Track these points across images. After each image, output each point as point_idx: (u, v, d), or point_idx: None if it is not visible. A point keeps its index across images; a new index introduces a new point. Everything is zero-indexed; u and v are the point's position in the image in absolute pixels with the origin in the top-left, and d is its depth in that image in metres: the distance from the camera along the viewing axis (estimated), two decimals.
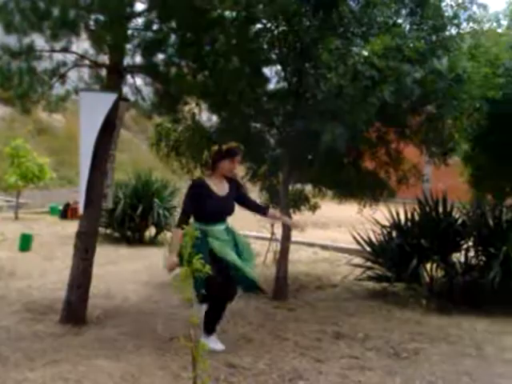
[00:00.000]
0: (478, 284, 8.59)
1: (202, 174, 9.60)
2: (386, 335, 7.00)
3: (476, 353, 6.55)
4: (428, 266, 9.13)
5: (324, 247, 13.59)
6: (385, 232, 9.63)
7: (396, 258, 9.12)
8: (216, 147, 6.15)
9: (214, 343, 6.00)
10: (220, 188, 6.17)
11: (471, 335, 7.21)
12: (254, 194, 9.89)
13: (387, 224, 9.66)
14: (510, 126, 9.00)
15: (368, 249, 9.75)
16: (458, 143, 8.69)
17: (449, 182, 10.79)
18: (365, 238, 9.84)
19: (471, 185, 10.42)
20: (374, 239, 9.73)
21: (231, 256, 5.99)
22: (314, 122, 7.36)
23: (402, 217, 9.58)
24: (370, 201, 9.45)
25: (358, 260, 10.08)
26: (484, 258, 8.94)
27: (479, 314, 8.20)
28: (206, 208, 6.03)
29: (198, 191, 6.07)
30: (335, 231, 15.31)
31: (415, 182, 9.25)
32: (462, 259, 9.09)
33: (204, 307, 6.01)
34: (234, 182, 6.33)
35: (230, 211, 6.27)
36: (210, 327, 6.13)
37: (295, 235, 9.49)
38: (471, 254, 9.10)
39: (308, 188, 10.07)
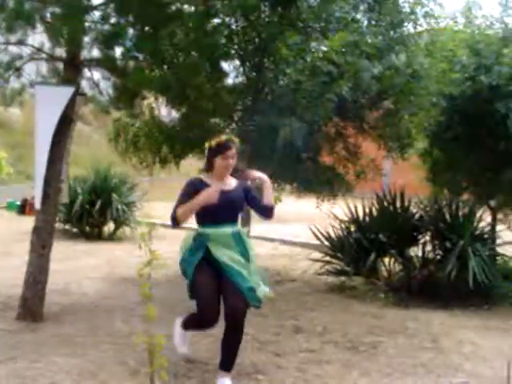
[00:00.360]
0: (435, 278, 8.72)
1: (160, 169, 9.59)
2: (344, 329, 7.05)
3: (433, 345, 6.63)
4: (386, 260, 9.23)
5: (284, 242, 13.64)
6: (343, 227, 9.68)
7: (354, 252, 9.20)
8: (207, 144, 5.37)
9: (180, 342, 5.66)
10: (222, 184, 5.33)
11: (428, 328, 7.30)
12: None
13: (346, 219, 9.72)
14: (467, 122, 9.13)
15: (327, 243, 9.79)
16: (415, 138, 8.79)
17: (408, 177, 10.89)
18: (324, 232, 9.88)
19: (429, 180, 10.53)
20: (332, 234, 9.77)
21: (230, 258, 5.21)
22: (272, 117, 7.38)
23: (361, 212, 9.65)
24: (329, 195, 9.50)
25: (317, 255, 10.11)
26: (441, 252, 9.06)
27: (436, 307, 8.31)
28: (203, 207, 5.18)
29: (194, 188, 5.27)
30: (295, 226, 15.35)
31: (373, 177, 9.32)
32: (420, 253, 9.19)
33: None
34: (243, 183, 5.48)
35: (236, 209, 5.42)
36: (187, 325, 5.62)
37: (253, 230, 9.51)
38: (428, 248, 9.21)
39: None
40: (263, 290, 5.29)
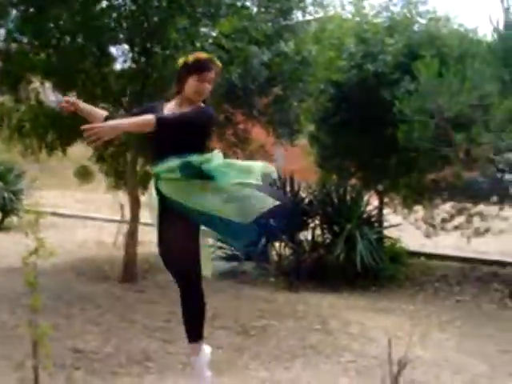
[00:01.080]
0: (324, 261, 8.90)
1: (50, 157, 9.31)
2: (235, 314, 7.08)
3: (321, 327, 6.76)
4: (277, 244, 9.33)
5: None
6: None
7: None
8: (181, 60, 4.38)
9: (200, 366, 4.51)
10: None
11: (317, 311, 7.44)
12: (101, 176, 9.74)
13: None
14: (354, 109, 9.34)
15: None
16: (304, 125, 8.92)
17: (301, 162, 11.05)
18: None
19: (318, 165, 10.72)
20: None
21: (185, 197, 4.21)
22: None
23: None
24: None
25: (208, 240, 10.08)
26: (330, 236, 9.25)
27: (325, 290, 8.48)
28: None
29: (148, 109, 4.41)
30: None
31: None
32: (310, 237, 9.36)
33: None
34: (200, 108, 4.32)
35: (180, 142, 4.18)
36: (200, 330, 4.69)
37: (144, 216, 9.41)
38: (318, 232, 9.39)
39: None
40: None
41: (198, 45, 7.18)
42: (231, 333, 6.41)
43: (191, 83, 4.26)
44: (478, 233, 9.29)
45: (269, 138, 9.28)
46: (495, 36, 8.51)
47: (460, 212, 9.42)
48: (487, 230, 9.28)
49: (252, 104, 8.39)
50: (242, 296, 8.06)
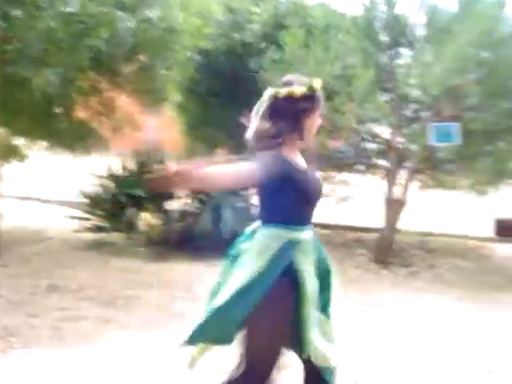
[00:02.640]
0: (192, 230, 8.92)
1: None
2: (101, 285, 6.98)
3: (189, 295, 6.77)
4: (146, 214, 9.27)
5: (45, 201, 13.17)
6: (101, 183, 9.54)
7: (112, 208, 9.13)
8: (292, 91, 3.00)
9: None
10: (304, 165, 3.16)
11: (185, 279, 7.45)
12: None
13: (103, 175, 9.61)
14: (221, 78, 9.37)
15: (84, 200, 9.61)
16: (170, 93, 8.84)
17: (170, 133, 10.99)
18: (81, 189, 9.67)
19: (186, 134, 10.69)
20: (89, 190, 9.59)
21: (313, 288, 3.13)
22: (23, 68, 7.02)
23: (119, 167, 9.57)
24: (83, 151, 9.27)
25: (76, 212, 9.90)
26: (198, 205, 9.27)
27: (193, 258, 8.48)
28: (296, 197, 3.04)
29: (286, 169, 3.02)
30: (53, 184, 14.87)
31: (130, 132, 9.25)
32: (179, 207, 9.35)
33: None
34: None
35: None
36: None
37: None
38: (187, 201, 9.39)
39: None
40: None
41: (61, 8, 6.91)
42: (97, 304, 6.34)
43: (313, 122, 3.10)
44: (342, 200, 9.54)
45: (137, 107, 9.15)
46: (360, 8, 8.71)
47: (325, 180, 9.64)
48: (351, 198, 9.56)
49: (117, 72, 8.22)
50: (109, 267, 7.92)
